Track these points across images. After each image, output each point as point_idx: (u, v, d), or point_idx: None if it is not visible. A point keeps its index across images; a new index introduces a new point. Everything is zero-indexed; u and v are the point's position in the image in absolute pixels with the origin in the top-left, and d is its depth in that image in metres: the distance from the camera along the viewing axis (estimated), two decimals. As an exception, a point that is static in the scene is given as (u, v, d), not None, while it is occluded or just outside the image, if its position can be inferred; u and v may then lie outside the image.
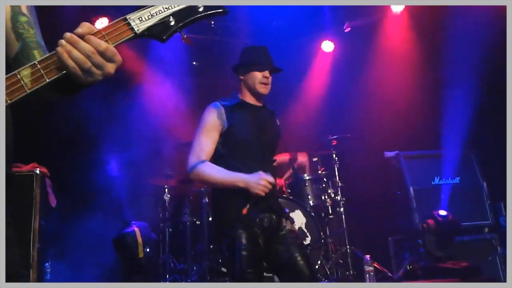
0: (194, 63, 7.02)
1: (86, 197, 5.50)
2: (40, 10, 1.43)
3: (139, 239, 5.10)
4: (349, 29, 6.94)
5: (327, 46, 7.07)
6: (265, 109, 3.03)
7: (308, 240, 4.81)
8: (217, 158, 2.81)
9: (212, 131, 2.80)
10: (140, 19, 1.17)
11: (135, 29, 1.17)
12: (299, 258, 2.67)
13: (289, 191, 5.29)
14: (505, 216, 5.14)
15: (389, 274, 4.89)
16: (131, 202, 6.14)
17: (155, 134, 6.38)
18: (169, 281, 4.96)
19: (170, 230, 5.39)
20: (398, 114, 6.01)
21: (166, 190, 5.51)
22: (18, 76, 1.06)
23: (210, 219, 5.08)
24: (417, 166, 5.64)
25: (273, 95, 3.12)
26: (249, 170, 2.73)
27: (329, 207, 5.29)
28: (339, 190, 5.39)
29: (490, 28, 4.91)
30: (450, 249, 4.86)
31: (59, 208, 4.15)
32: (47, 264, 4.21)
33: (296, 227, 4.80)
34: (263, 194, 2.59)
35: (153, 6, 1.19)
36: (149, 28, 1.19)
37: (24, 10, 1.33)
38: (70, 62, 1.08)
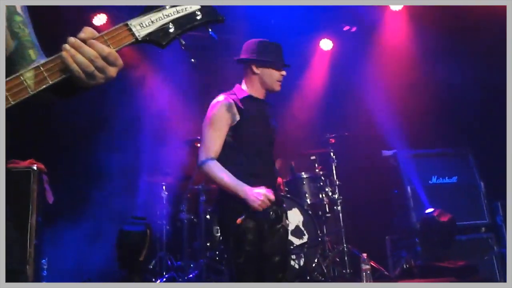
0: (192, 60, 6.99)
1: (83, 194, 5.49)
2: (38, 6, 1.43)
3: (147, 243, 5.08)
4: (348, 27, 6.94)
5: (326, 44, 7.07)
6: (267, 104, 3.07)
7: (305, 238, 4.82)
8: (228, 150, 2.83)
9: (221, 126, 2.82)
10: (141, 25, 1.22)
11: (136, 35, 1.21)
12: (277, 258, 2.71)
13: (287, 189, 5.29)
14: (502, 215, 5.15)
15: (386, 272, 4.89)
16: (129, 199, 6.14)
17: (152, 131, 6.36)
18: (166, 278, 4.95)
19: (168, 227, 5.39)
20: (396, 113, 6.01)
21: (164, 187, 5.51)
22: (22, 78, 1.09)
23: (208, 216, 5.08)
24: (414, 165, 5.64)
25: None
26: (259, 163, 2.82)
27: (327, 205, 5.29)
28: (337, 188, 5.38)
29: (489, 26, 4.91)
30: (446, 248, 4.87)
31: (56, 204, 4.15)
32: (44, 260, 4.20)
33: (294, 225, 4.80)
34: (260, 209, 2.61)
35: (153, 12, 1.24)
36: (150, 34, 1.23)
37: (19, 9, 1.35)
38: (74, 66, 1.11)
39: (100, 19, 5.95)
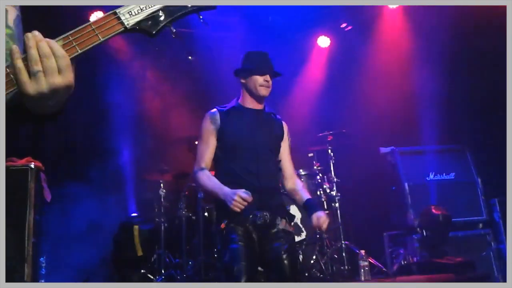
0: (190, 57, 6.99)
1: (81, 192, 5.48)
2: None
3: (136, 239, 5.11)
4: (345, 24, 6.93)
5: (323, 41, 7.07)
6: (264, 112, 3.10)
7: (303, 235, 4.82)
8: (217, 162, 2.98)
9: (208, 137, 2.97)
10: (130, 13, 1.17)
11: (125, 23, 1.16)
12: (284, 259, 2.71)
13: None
14: (499, 212, 5.17)
15: (384, 269, 4.91)
16: (127, 196, 6.15)
17: (150, 129, 6.36)
18: (165, 276, 4.95)
19: (166, 225, 5.39)
20: (394, 110, 6.01)
21: (162, 185, 5.51)
22: (8, 70, 1.05)
23: (206, 214, 5.08)
24: (412, 162, 5.65)
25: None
26: (244, 172, 2.85)
27: (325, 202, 5.31)
28: (334, 185, 5.39)
29: (489, 24, 4.91)
30: (444, 245, 4.89)
31: (53, 202, 4.14)
32: (42, 258, 4.19)
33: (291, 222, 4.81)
34: (237, 210, 2.63)
35: None
36: (139, 23, 1.18)
37: (10, 22, 1.31)
38: (19, 62, 1.03)
39: (97, 17, 5.92)
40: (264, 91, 2.99)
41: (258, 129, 2.99)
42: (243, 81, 3.06)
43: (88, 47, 1.10)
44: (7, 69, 1.03)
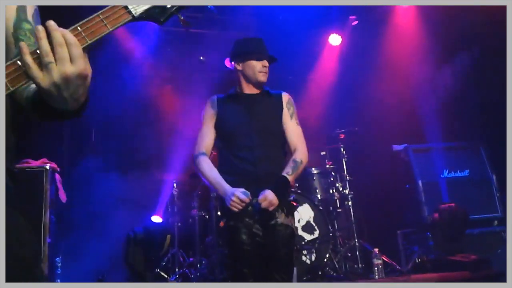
0: (201, 57, 7.01)
1: (95, 193, 5.54)
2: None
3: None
4: (356, 22, 6.90)
5: (335, 39, 7.04)
6: (263, 95, 3.02)
7: (316, 234, 4.82)
8: (217, 150, 2.98)
9: (208, 122, 2.97)
10: (137, 1, 1.16)
11: (133, 12, 1.15)
12: (282, 253, 2.68)
13: (297, 185, 5.29)
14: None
15: (398, 267, 4.88)
16: (140, 197, 6.19)
17: (163, 129, 6.40)
18: (179, 275, 4.99)
19: (179, 224, 5.42)
20: (407, 107, 5.97)
21: (175, 184, 5.54)
22: (19, 63, 1.05)
23: (219, 213, 5.09)
24: (425, 159, 5.62)
25: (280, 88, 3.14)
26: (241, 160, 2.80)
27: (337, 200, 5.30)
28: (347, 183, 5.38)
29: (502, 19, 4.85)
30: (459, 242, 4.85)
31: (69, 203, 4.19)
32: (57, 258, 4.25)
33: (305, 221, 4.81)
34: (235, 210, 2.62)
35: None
36: (147, 11, 1.16)
37: (29, 17, 1.33)
38: (27, 57, 1.03)
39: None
40: (263, 77, 2.94)
41: (253, 114, 2.91)
42: (238, 67, 2.99)
43: (98, 37, 1.10)
44: (19, 62, 1.04)
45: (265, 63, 2.95)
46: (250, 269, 2.62)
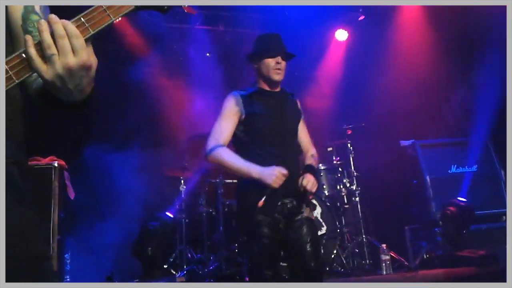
0: (208, 54, 7.03)
1: (103, 190, 5.57)
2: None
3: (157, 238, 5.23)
4: (363, 17, 6.87)
5: (341, 34, 7.02)
6: (283, 94, 3.03)
7: (323, 230, 4.82)
8: (239, 145, 2.89)
9: (231, 117, 2.86)
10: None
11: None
12: (308, 247, 2.69)
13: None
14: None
15: (405, 263, 4.87)
16: (148, 194, 6.22)
17: (171, 126, 6.42)
18: (187, 271, 5.01)
19: (187, 221, 5.44)
20: (414, 103, 5.95)
21: (182, 181, 5.56)
22: (24, 55, 1.04)
23: (226, 209, 5.11)
24: (433, 154, 5.59)
25: (287, 84, 3.13)
26: (271, 156, 2.78)
27: (345, 196, 5.29)
28: (355, 179, 5.37)
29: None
30: (466, 238, 4.83)
31: (77, 200, 4.22)
32: (67, 255, 4.29)
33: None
34: (276, 186, 2.60)
35: None
36: None
37: (37, 9, 1.33)
38: (31, 48, 1.04)
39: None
40: (276, 76, 2.89)
41: (283, 112, 2.92)
42: (255, 66, 2.98)
43: (100, 27, 1.09)
44: (23, 55, 1.04)
45: (279, 59, 2.89)
46: (273, 265, 2.64)
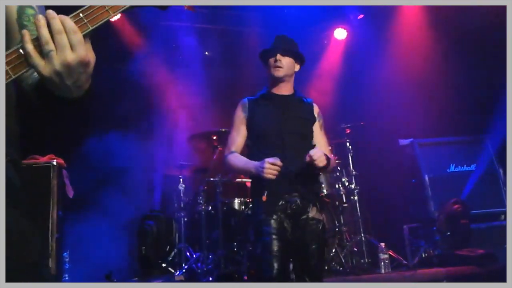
0: (206, 53, 7.02)
1: (102, 188, 5.56)
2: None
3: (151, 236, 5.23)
4: (362, 16, 6.87)
5: (340, 33, 7.02)
6: (292, 96, 3.07)
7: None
8: (249, 152, 3.01)
9: (238, 124, 3.02)
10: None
11: None
12: (311, 247, 2.72)
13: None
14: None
15: (404, 262, 4.88)
16: (146, 192, 6.22)
17: (169, 124, 6.42)
18: (186, 269, 5.01)
19: (185, 219, 5.44)
20: (412, 101, 5.95)
21: (181, 180, 5.56)
22: (21, 51, 1.03)
23: (224, 208, 5.11)
24: (432, 153, 5.60)
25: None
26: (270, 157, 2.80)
27: (343, 195, 5.29)
28: (353, 178, 5.37)
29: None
30: (463, 237, 4.84)
31: (76, 198, 4.21)
32: (65, 253, 4.28)
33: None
34: (272, 176, 2.64)
35: None
36: None
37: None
38: (28, 45, 1.02)
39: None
40: (276, 72, 2.97)
41: (284, 114, 2.96)
42: (266, 68, 3.10)
43: (99, 23, 1.08)
44: (20, 50, 1.03)
45: (278, 56, 2.96)
46: (277, 263, 2.64)
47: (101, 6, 1.08)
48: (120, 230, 5.47)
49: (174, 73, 6.76)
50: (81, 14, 1.06)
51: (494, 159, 5.49)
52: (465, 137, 5.64)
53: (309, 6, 6.39)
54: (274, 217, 2.73)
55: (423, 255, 5.08)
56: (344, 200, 5.29)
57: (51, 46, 1.01)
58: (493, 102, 5.44)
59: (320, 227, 2.80)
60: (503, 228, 5.13)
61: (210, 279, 4.70)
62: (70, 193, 4.13)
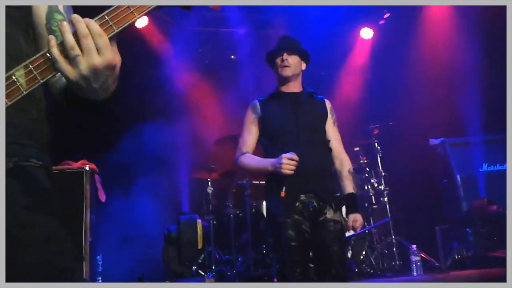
0: (232, 56, 7.07)
1: (133, 193, 5.66)
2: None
3: (200, 231, 5.24)
4: (388, 15, 6.79)
5: (366, 33, 6.96)
6: (302, 93, 3.06)
7: (352, 231, 4.78)
8: (264, 151, 2.99)
9: (249, 125, 3.01)
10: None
11: None
12: (331, 249, 2.68)
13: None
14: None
15: (436, 264, 4.79)
16: (176, 196, 6.29)
17: (197, 128, 6.48)
18: (215, 272, 5.05)
19: (214, 222, 5.48)
20: (442, 100, 5.84)
21: (209, 183, 5.60)
22: (14, 77, 1.01)
23: (253, 210, 5.13)
24: (463, 153, 5.48)
25: (313, 84, 3.15)
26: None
27: (373, 197, 5.24)
28: (383, 179, 5.31)
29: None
30: (496, 237, 4.72)
31: (108, 202, 4.30)
32: (98, 257, 4.37)
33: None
34: (289, 172, 2.64)
35: None
36: None
37: (61, 8, 1.34)
38: (54, 48, 1.02)
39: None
40: (283, 71, 2.97)
41: (296, 111, 2.94)
42: (273, 69, 3.11)
43: (125, 25, 1.07)
44: (47, 55, 1.03)
45: (285, 56, 2.97)
46: (300, 268, 2.63)
47: (126, 7, 1.07)
48: (151, 233, 5.54)
49: (201, 77, 6.83)
50: (106, 17, 1.06)
51: (528, 158, 5.33)
52: (497, 135, 5.50)
53: (334, 7, 6.36)
54: (293, 219, 2.70)
55: (456, 257, 4.97)
56: (374, 202, 5.24)
57: (76, 51, 1.01)
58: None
59: (338, 228, 2.77)
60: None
61: (239, 282, 4.72)
62: (103, 197, 4.23)
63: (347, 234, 3.27)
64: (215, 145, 5.91)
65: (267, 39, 6.59)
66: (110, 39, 1.05)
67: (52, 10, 1.32)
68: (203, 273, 5.21)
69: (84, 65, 1.01)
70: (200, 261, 5.38)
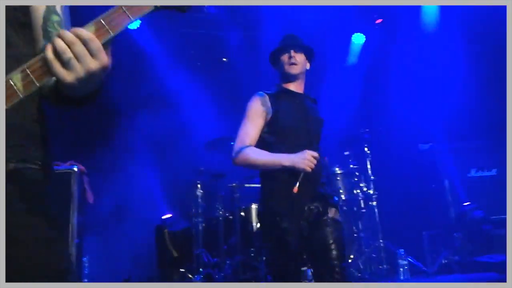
0: (224, 59, 7.06)
1: (121, 194, 5.63)
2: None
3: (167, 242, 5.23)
4: (380, 20, 6.83)
5: (358, 38, 6.99)
6: (307, 97, 3.02)
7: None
8: (265, 146, 2.80)
9: (257, 118, 2.81)
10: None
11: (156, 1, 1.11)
12: (332, 248, 2.64)
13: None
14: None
15: (423, 268, 4.82)
16: (165, 198, 6.26)
17: (186, 130, 6.46)
18: (203, 275, 5.03)
19: (203, 225, 5.45)
20: (432, 106, 5.89)
21: (199, 185, 5.58)
22: (11, 81, 1.02)
23: (242, 213, 5.12)
24: (452, 158, 5.53)
25: (305, 89, 3.12)
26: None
27: (362, 201, 5.25)
28: (372, 183, 5.33)
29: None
30: (480, 243, 4.77)
31: (95, 204, 4.27)
32: (84, 258, 4.34)
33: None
34: (309, 169, 2.56)
35: None
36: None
37: (58, 9, 1.34)
38: (49, 53, 1.03)
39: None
40: (291, 69, 2.87)
41: (310, 113, 2.88)
42: (276, 67, 3.00)
43: (121, 29, 1.08)
44: (44, 59, 1.04)
45: (292, 53, 2.87)
46: (293, 264, 2.62)
47: (122, 11, 1.08)
48: (139, 235, 5.52)
49: (192, 79, 6.81)
50: (102, 21, 1.07)
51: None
52: (485, 141, 5.56)
53: (326, 12, 6.38)
54: (295, 224, 2.64)
55: (443, 262, 5.01)
56: (362, 206, 5.25)
57: (68, 54, 1.02)
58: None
59: (339, 227, 2.73)
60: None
61: (228, 284, 4.71)
62: (90, 199, 4.19)
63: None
64: (205, 147, 5.89)
65: (259, 42, 6.60)
66: (107, 43, 1.06)
67: (49, 11, 1.32)
68: (191, 276, 5.19)
69: (80, 69, 1.03)
70: (188, 263, 5.35)
